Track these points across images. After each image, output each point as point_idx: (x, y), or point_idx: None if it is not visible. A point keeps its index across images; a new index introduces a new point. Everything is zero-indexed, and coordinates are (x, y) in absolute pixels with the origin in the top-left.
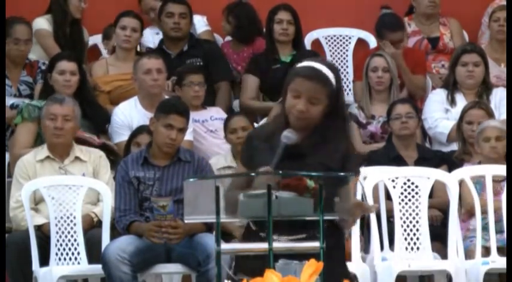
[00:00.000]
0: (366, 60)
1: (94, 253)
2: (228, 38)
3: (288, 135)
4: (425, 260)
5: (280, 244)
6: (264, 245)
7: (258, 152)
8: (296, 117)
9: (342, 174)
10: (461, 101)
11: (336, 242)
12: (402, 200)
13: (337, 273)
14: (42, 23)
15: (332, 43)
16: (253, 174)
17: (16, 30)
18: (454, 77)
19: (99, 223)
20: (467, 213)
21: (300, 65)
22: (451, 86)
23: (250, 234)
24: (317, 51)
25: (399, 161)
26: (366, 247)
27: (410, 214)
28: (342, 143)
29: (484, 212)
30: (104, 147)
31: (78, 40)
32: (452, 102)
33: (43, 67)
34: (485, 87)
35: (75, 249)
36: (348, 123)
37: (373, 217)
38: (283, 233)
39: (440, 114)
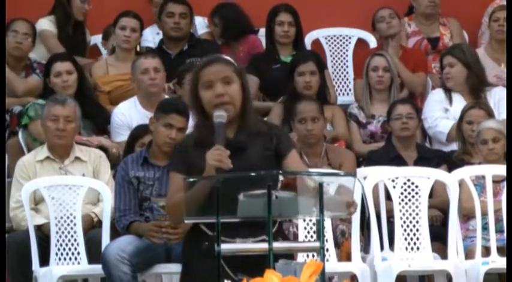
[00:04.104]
0: (367, 60)
1: (94, 253)
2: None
3: (220, 114)
4: (425, 260)
5: (248, 246)
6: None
7: (192, 158)
8: (220, 105)
9: (341, 173)
10: (458, 101)
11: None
12: (402, 200)
13: None
14: (46, 24)
15: (332, 43)
16: (254, 174)
17: (16, 24)
18: None
19: (99, 223)
20: (465, 217)
21: (199, 64)
22: (445, 86)
23: (206, 238)
24: (317, 51)
25: (399, 161)
26: (366, 247)
27: (410, 214)
28: (268, 127)
29: (484, 213)
30: (102, 149)
31: (81, 42)
32: (450, 101)
33: (35, 66)
34: (471, 87)
35: (75, 249)
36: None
37: (373, 217)
38: (248, 235)
39: (440, 113)
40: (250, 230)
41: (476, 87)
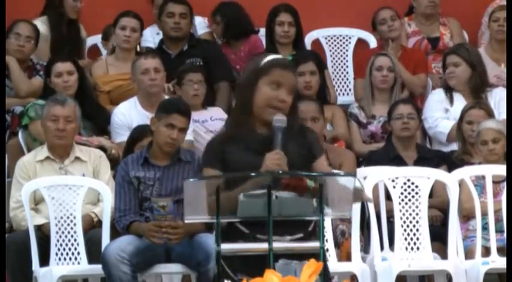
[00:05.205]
0: (370, 59)
1: (94, 253)
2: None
3: (281, 119)
4: (425, 260)
5: (283, 244)
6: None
7: (227, 154)
8: (276, 109)
9: (341, 173)
10: (458, 101)
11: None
12: (402, 200)
13: None
14: (38, 26)
15: (332, 43)
16: (252, 174)
17: (18, 26)
18: None
19: (99, 223)
20: (465, 217)
21: (268, 58)
22: (446, 86)
23: (241, 236)
24: (317, 51)
25: (399, 161)
26: (366, 247)
27: (410, 214)
28: (302, 126)
29: (484, 214)
30: (101, 150)
31: (76, 39)
32: (450, 101)
33: (38, 67)
34: (474, 87)
35: (75, 249)
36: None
37: (373, 217)
38: (284, 233)
39: (440, 113)
40: (286, 227)
41: (478, 87)
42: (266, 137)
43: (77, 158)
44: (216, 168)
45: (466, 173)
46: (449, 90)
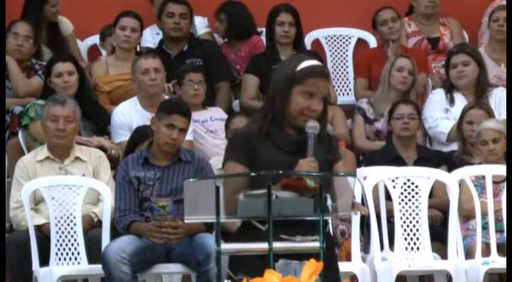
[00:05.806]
0: (391, 60)
1: (94, 253)
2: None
3: (315, 126)
4: (425, 260)
5: (306, 244)
6: (283, 245)
7: (261, 150)
8: (308, 118)
9: (342, 173)
10: (459, 101)
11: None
12: (402, 200)
13: (328, 271)
14: None
15: (332, 43)
16: (252, 174)
17: (17, 26)
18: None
19: (99, 223)
20: (465, 217)
21: (303, 65)
22: (448, 86)
23: (261, 236)
24: (317, 51)
25: (399, 162)
26: (366, 247)
27: (410, 214)
28: (327, 133)
29: (484, 214)
30: (101, 150)
31: (58, 39)
32: (451, 101)
33: (37, 67)
34: (481, 86)
35: (75, 249)
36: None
37: (373, 217)
38: (307, 233)
39: (441, 113)
40: (309, 228)
41: (483, 86)
42: (296, 139)
43: (77, 158)
44: (243, 164)
45: (466, 173)
46: (449, 90)
